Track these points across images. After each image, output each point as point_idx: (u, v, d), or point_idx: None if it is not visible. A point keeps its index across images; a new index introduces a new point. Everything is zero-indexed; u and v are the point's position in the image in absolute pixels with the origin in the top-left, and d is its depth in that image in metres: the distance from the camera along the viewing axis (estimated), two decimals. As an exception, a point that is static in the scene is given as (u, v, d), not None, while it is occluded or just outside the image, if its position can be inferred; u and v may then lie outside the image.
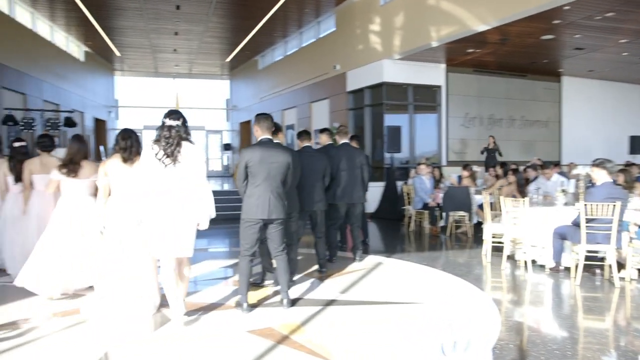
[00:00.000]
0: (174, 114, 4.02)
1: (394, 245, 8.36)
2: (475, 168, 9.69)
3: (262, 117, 4.62)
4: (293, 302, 4.60)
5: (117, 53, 19.68)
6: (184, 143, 3.94)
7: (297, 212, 5.21)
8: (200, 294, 4.99)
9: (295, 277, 5.46)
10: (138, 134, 4.59)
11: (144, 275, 4.29)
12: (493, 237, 6.52)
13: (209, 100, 24.77)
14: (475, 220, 8.65)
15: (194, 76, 24.29)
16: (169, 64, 21.98)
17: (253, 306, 4.53)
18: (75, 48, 18.66)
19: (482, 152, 12.72)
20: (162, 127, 3.95)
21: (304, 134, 5.97)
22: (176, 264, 4.07)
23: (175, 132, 3.91)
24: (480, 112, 14.00)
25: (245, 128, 23.23)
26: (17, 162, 5.71)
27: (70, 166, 4.86)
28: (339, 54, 14.36)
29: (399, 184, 11.10)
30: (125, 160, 4.38)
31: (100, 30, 16.31)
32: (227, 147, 24.09)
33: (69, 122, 12.58)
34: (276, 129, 5.26)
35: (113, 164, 4.41)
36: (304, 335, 3.85)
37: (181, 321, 4.02)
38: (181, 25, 15.88)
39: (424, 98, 13.17)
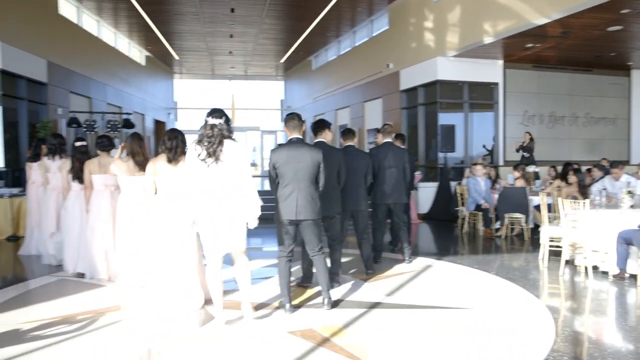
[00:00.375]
0: (216, 112, 4.04)
1: (445, 247, 8.11)
2: (534, 168, 9.23)
3: (289, 116, 4.59)
4: (335, 304, 4.53)
5: (176, 57, 20.34)
6: (227, 141, 3.95)
7: (338, 212, 5.12)
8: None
9: (340, 278, 5.39)
10: (184, 134, 4.66)
11: (186, 274, 4.37)
12: (551, 240, 6.18)
13: (264, 101, 25.14)
14: (532, 223, 8.25)
15: (249, 77, 24.73)
16: (225, 66, 22.47)
17: (296, 307, 4.50)
18: (137, 53, 19.46)
19: (517, 150, 12.06)
20: (205, 125, 3.97)
21: (347, 133, 5.87)
22: (233, 259, 4.09)
23: (217, 130, 3.93)
24: (540, 109, 13.37)
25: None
26: (76, 161, 5.97)
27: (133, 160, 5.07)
28: (392, 53, 14.15)
29: (453, 184, 10.78)
30: (169, 160, 4.45)
31: (159, 35, 16.90)
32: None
33: (128, 124, 13.12)
34: (320, 127, 5.20)
35: (159, 164, 4.51)
36: (345, 338, 3.78)
37: (223, 319, 4.05)
38: (236, 28, 16.18)
39: (480, 96, 12.73)
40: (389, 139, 6.32)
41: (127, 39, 18.01)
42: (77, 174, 5.88)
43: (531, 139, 11.73)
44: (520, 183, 8.70)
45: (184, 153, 4.43)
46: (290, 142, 4.49)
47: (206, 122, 3.99)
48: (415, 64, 12.91)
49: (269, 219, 4.51)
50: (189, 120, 24.12)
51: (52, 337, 3.83)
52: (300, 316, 4.30)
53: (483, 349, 3.58)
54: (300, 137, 4.55)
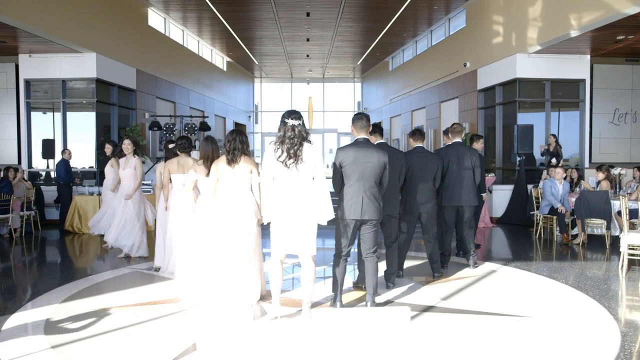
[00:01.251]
0: (294, 113, 4.13)
1: (515, 252, 7.74)
2: (619, 170, 8.54)
3: (357, 117, 4.59)
4: (385, 305, 4.50)
5: (256, 61, 21.07)
6: (305, 143, 4.04)
7: (396, 213, 5.08)
8: (294, 290, 5.12)
9: (397, 280, 5.33)
10: (244, 135, 4.77)
11: (244, 270, 4.52)
12: (631, 248, 5.70)
13: (342, 103, 25.31)
14: (618, 230, 7.64)
15: (327, 80, 25.02)
16: (303, 69, 22.92)
17: (348, 306, 4.53)
18: (219, 59, 20.40)
19: (542, 154, 11.15)
20: (285, 126, 4.04)
21: (416, 134, 5.80)
22: (303, 262, 4.17)
23: (298, 131, 4.02)
24: (634, 107, 12.32)
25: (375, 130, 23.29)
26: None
27: (207, 164, 5.14)
28: (469, 51, 13.71)
29: (530, 187, 10.24)
30: (228, 162, 4.62)
31: (240, 42, 17.60)
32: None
33: (204, 126, 13.79)
34: (377, 130, 5.21)
35: (220, 165, 4.71)
36: (390, 340, 3.75)
37: (275, 314, 4.16)
38: (312, 32, 16.47)
39: (564, 94, 11.98)
40: (458, 139, 6.14)
41: (209, 46, 18.94)
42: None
43: (557, 142, 10.76)
44: (604, 186, 8.09)
45: (244, 153, 4.56)
46: (357, 142, 4.53)
47: (286, 123, 4.06)
48: (493, 62, 12.41)
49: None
50: (269, 123, 24.87)
51: (115, 323, 4.14)
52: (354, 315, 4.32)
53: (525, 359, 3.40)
54: (367, 137, 4.57)
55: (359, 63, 21.56)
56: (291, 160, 3.97)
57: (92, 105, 11.36)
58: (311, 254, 4.13)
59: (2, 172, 9.25)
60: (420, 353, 3.50)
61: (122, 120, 12.33)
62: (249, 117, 24.72)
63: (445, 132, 6.03)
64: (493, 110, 12.61)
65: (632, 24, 9.33)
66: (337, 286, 4.40)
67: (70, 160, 10.21)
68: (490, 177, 10.50)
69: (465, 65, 13.84)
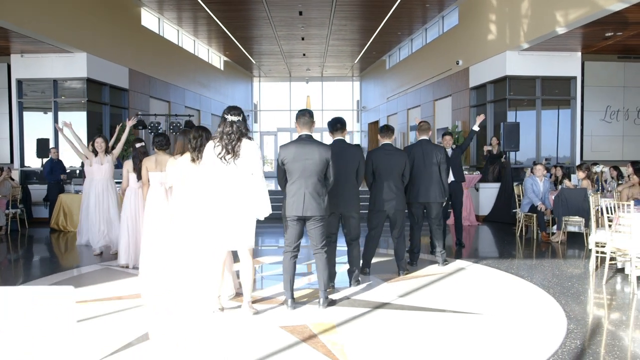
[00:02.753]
0: (233, 109, 4.17)
1: (491, 250, 7.72)
2: (601, 168, 8.46)
3: (300, 113, 4.60)
4: (332, 302, 4.51)
5: (253, 61, 21.14)
6: (244, 139, 4.09)
7: (357, 210, 5.08)
8: (264, 289, 5.16)
9: (361, 277, 5.34)
10: (210, 133, 4.79)
11: (200, 268, 4.55)
12: (598, 246, 5.66)
13: (341, 102, 25.31)
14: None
15: (325, 79, 25.03)
16: (300, 68, 22.95)
17: (301, 303, 4.55)
18: (216, 58, 20.49)
19: (485, 156, 11.20)
20: (224, 122, 4.09)
21: (384, 130, 5.77)
22: (240, 256, 4.21)
23: (236, 127, 4.06)
24: (626, 104, 12.20)
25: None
26: (139, 161, 6.30)
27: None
28: (462, 49, 13.65)
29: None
30: (193, 159, 4.65)
31: (235, 41, 17.67)
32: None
33: (188, 124, 13.80)
34: (341, 126, 5.21)
35: (183, 161, 4.75)
36: (332, 336, 3.76)
37: (218, 307, 4.21)
38: (307, 30, 16.49)
39: (554, 91, 11.89)
40: (425, 137, 6.13)
41: (206, 45, 19.03)
42: (139, 172, 6.25)
43: (499, 144, 10.78)
44: (585, 184, 8.03)
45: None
46: (300, 139, 4.51)
47: (225, 119, 4.11)
48: (485, 59, 12.36)
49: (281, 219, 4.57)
50: (268, 122, 24.94)
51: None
52: (300, 312, 4.34)
53: (469, 356, 3.40)
54: (310, 134, 4.56)
55: (356, 62, 21.54)
56: (229, 156, 4.00)
57: (83, 105, 11.48)
58: (248, 247, 4.17)
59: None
60: (353, 350, 3.52)
61: (114, 119, 12.44)
62: (248, 116, 24.78)
63: (379, 132, 6.02)
64: (484, 108, 12.54)
65: (619, 21, 9.25)
66: (286, 283, 4.42)
67: (59, 159, 10.34)
68: (476, 175, 10.46)
69: (457, 63, 13.78)
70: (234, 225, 4.08)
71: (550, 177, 9.37)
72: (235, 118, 4.09)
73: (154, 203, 5.64)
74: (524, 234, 8.51)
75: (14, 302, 2.20)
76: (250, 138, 4.17)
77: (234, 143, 4.02)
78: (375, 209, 5.52)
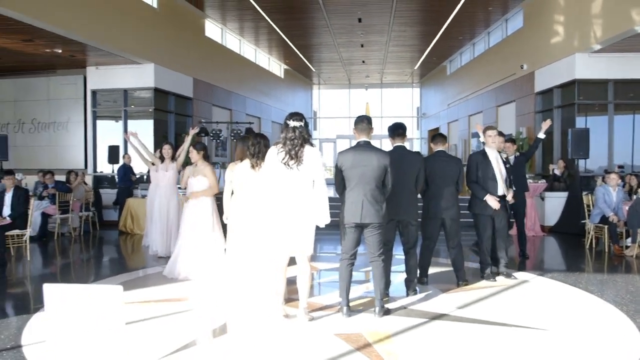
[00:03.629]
0: (296, 115, 4.21)
1: (558, 262, 7.35)
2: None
3: (358, 119, 4.57)
4: (387, 312, 4.42)
5: (313, 69, 21.36)
6: (306, 145, 4.12)
7: (414, 219, 4.99)
8: (320, 296, 5.16)
9: (419, 286, 5.23)
10: (268, 140, 4.87)
11: (266, 271, 4.58)
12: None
13: (400, 109, 25.05)
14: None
15: (385, 85, 24.88)
16: (360, 75, 22.96)
17: (356, 310, 4.51)
18: (277, 67, 20.88)
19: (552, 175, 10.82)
20: (286, 128, 4.13)
21: (437, 138, 5.68)
22: (298, 262, 4.23)
23: (299, 133, 4.10)
24: None
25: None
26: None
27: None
28: (527, 52, 13.17)
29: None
30: (252, 166, 4.74)
31: (295, 50, 17.94)
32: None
33: (249, 132, 14.06)
34: (402, 131, 5.13)
35: (242, 168, 4.84)
36: (387, 346, 3.70)
37: (282, 314, 4.24)
38: (366, 37, 16.49)
39: (629, 95, 11.20)
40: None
41: (267, 54, 19.45)
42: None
43: (566, 167, 10.54)
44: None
45: (264, 158, 4.61)
46: (358, 146, 4.49)
47: (287, 124, 4.15)
48: (552, 62, 11.84)
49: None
50: (327, 129, 25.07)
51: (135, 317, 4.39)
52: (356, 320, 4.29)
53: (532, 373, 3.24)
54: (368, 140, 4.53)
55: (416, 68, 21.29)
56: (292, 161, 4.03)
57: (150, 114, 12.02)
58: (307, 254, 4.18)
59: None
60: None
61: (178, 127, 12.95)
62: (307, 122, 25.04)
63: (431, 140, 5.79)
64: (551, 114, 12.00)
65: None
66: (342, 290, 4.39)
67: (131, 165, 10.88)
68: (541, 184, 10.01)
69: (522, 67, 13.31)
70: (294, 231, 4.10)
71: (624, 186, 8.81)
72: (297, 124, 4.12)
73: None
74: (594, 246, 8.03)
75: (66, 299, 2.32)
76: (312, 144, 4.19)
77: (297, 149, 4.05)
78: (430, 216, 5.40)
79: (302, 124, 4.14)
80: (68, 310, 2.30)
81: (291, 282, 4.59)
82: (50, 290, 2.29)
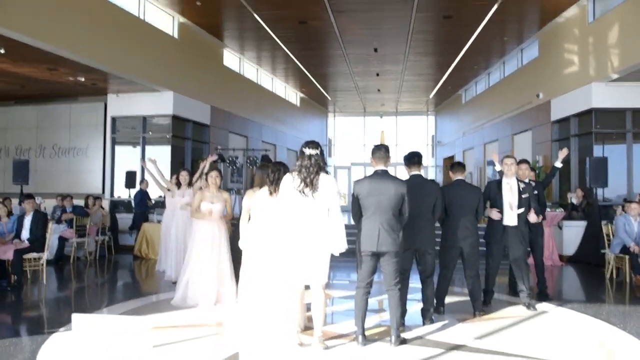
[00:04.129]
0: (311, 143, 4.26)
1: (577, 293, 7.19)
2: None
3: (376, 148, 4.59)
4: (403, 341, 4.34)
5: (328, 97, 21.58)
6: (321, 173, 4.15)
7: (431, 248, 4.95)
8: (334, 324, 5.09)
9: (435, 316, 5.14)
10: (287, 168, 4.89)
11: (282, 298, 4.55)
12: None
13: (415, 137, 25.09)
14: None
15: (400, 114, 24.99)
16: (375, 104, 23.11)
17: (371, 340, 4.43)
18: (293, 95, 21.15)
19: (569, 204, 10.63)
20: (302, 156, 4.17)
21: (455, 166, 5.68)
22: (313, 290, 4.21)
23: (314, 160, 4.14)
24: None
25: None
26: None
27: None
28: (543, 81, 13.18)
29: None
30: (271, 193, 4.76)
31: (312, 78, 18.18)
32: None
33: (265, 159, 14.17)
34: (418, 160, 5.14)
35: (261, 194, 4.85)
36: (403, 376, 3.63)
37: (297, 343, 4.19)
38: (381, 67, 16.66)
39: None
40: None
41: (283, 83, 19.73)
42: None
43: (584, 197, 10.43)
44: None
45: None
46: (375, 174, 4.50)
47: (303, 152, 4.20)
48: (568, 92, 11.82)
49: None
50: (342, 156, 25.16)
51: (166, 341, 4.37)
52: (371, 349, 4.22)
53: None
54: (385, 169, 4.54)
55: (431, 96, 21.39)
56: (308, 189, 4.05)
57: (168, 140, 12.21)
58: (322, 282, 4.16)
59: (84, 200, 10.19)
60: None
61: (195, 153, 13.10)
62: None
63: (450, 168, 5.76)
64: (568, 143, 11.91)
65: None
66: (358, 319, 4.33)
67: (147, 191, 11.00)
68: (559, 213, 9.86)
69: (538, 96, 13.29)
70: (309, 259, 4.09)
71: (645, 216, 8.64)
72: (313, 152, 4.16)
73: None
74: (614, 277, 7.85)
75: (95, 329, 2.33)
76: (327, 172, 4.22)
77: (312, 176, 4.07)
78: (448, 244, 5.36)
79: (318, 151, 4.18)
80: (95, 338, 2.32)
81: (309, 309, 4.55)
82: (78, 319, 2.33)
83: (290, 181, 4.15)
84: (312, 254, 4.07)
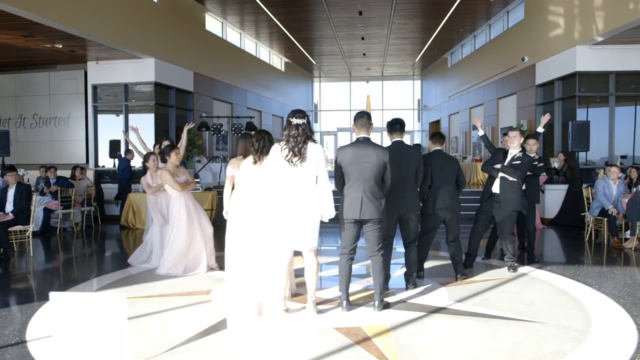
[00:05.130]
0: (298, 112, 4.27)
1: (555, 255, 7.39)
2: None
3: (358, 115, 4.58)
4: (387, 305, 4.47)
5: (313, 61, 21.32)
6: (309, 142, 4.17)
7: (414, 213, 5.03)
8: (321, 290, 5.20)
9: (417, 280, 5.28)
10: (271, 136, 4.89)
11: (267, 266, 4.63)
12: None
13: (401, 101, 25.03)
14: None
15: (386, 78, 24.84)
16: (361, 68, 22.91)
17: (355, 305, 4.55)
18: (277, 60, 20.86)
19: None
20: (289, 125, 4.18)
21: (435, 136, 5.71)
22: (305, 256, 4.29)
23: (302, 130, 4.15)
24: None
25: (434, 128, 22.87)
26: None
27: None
28: (528, 45, 13.14)
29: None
30: (255, 161, 4.76)
31: (296, 43, 17.91)
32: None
33: (250, 126, 14.08)
34: (400, 127, 5.15)
35: (246, 164, 4.85)
36: (386, 339, 3.75)
37: (283, 308, 4.29)
38: (366, 30, 16.45)
39: (630, 87, 11.18)
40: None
41: (267, 47, 19.42)
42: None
43: (566, 160, 10.55)
44: (664, 187, 7.51)
45: (267, 154, 4.58)
46: (357, 142, 4.50)
47: (290, 122, 4.21)
48: (553, 55, 11.82)
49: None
50: (329, 122, 25.07)
51: (140, 310, 4.45)
52: (356, 314, 4.34)
53: (529, 366, 3.29)
54: (368, 136, 4.55)
55: (417, 60, 21.24)
56: (296, 158, 4.08)
57: (151, 108, 12.05)
58: (313, 248, 4.23)
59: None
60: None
61: (179, 121, 12.96)
62: (308, 116, 25.05)
63: (430, 137, 5.82)
64: (552, 107, 12.00)
65: None
66: (342, 285, 4.43)
67: (132, 160, 10.91)
68: (541, 177, 10.00)
69: (523, 60, 13.28)
70: (300, 226, 4.16)
71: (625, 178, 8.82)
72: (300, 121, 4.17)
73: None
74: (593, 239, 8.07)
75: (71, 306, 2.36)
76: (314, 141, 4.25)
77: (300, 145, 4.10)
78: (428, 212, 5.44)
79: (305, 121, 4.20)
80: (73, 316, 2.36)
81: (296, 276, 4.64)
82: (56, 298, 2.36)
83: (279, 151, 4.16)
84: (303, 221, 4.13)
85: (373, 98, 23.67)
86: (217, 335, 3.89)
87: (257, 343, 3.73)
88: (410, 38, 17.79)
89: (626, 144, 11.16)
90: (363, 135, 4.48)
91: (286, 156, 4.12)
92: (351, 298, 4.56)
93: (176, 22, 12.76)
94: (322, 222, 4.28)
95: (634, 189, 7.93)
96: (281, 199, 4.17)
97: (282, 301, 4.36)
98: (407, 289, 5.12)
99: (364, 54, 20.05)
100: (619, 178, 7.87)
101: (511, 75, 14.19)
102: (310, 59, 20.78)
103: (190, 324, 4.12)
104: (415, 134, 24.48)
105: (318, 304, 4.54)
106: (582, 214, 8.56)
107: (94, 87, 12.33)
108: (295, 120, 4.17)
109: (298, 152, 4.10)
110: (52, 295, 2.31)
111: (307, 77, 24.87)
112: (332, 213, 4.23)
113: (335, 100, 25.57)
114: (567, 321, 4.16)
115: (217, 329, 4.02)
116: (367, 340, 3.74)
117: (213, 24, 15.10)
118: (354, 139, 4.65)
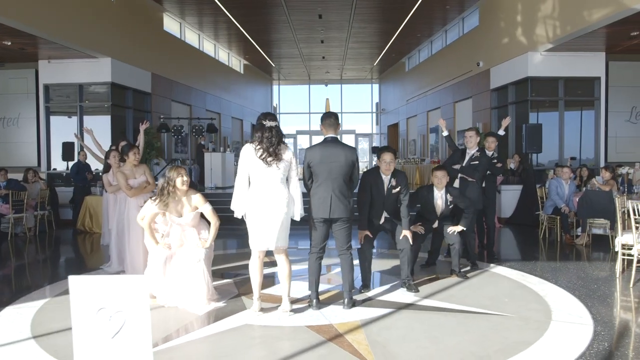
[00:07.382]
0: (269, 115, 4.29)
1: (513, 252, 7.68)
2: (626, 170, 8.33)
3: (326, 115, 4.63)
4: (354, 303, 4.52)
5: (272, 64, 21.29)
6: (281, 144, 4.20)
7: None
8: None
9: (388, 278, 5.36)
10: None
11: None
12: (625, 248, 5.59)
13: (360, 105, 25.35)
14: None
15: (345, 82, 25.08)
16: (320, 71, 23.05)
17: (325, 304, 4.57)
18: (236, 62, 20.70)
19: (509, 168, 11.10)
20: (262, 128, 4.18)
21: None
22: (277, 256, 4.28)
23: (275, 132, 4.17)
24: (652, 105, 11.98)
25: (392, 131, 23.27)
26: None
27: None
28: (483, 50, 13.59)
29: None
30: None
31: (255, 45, 17.83)
32: (375, 150, 24.42)
33: (211, 128, 13.91)
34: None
35: None
36: (357, 336, 3.79)
37: (257, 309, 4.26)
38: (326, 34, 16.58)
39: (577, 92, 11.75)
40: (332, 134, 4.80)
41: (226, 49, 19.25)
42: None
43: (520, 161, 10.95)
44: (610, 185, 7.93)
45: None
46: (326, 141, 4.54)
47: (263, 124, 4.19)
48: (506, 60, 12.27)
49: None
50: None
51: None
52: (325, 312, 4.37)
53: (494, 356, 3.40)
54: (335, 136, 4.59)
55: (375, 64, 21.56)
56: (271, 158, 4.08)
57: (107, 109, 11.70)
58: (284, 248, 4.24)
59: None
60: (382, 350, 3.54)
61: (136, 122, 12.61)
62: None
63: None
64: (506, 110, 12.44)
65: (644, 20, 9.10)
66: (312, 284, 4.45)
67: (86, 162, 10.54)
68: (498, 177, 10.36)
69: (478, 65, 13.71)
70: (272, 226, 4.15)
71: (575, 178, 9.26)
72: (272, 123, 4.21)
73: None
74: (547, 236, 8.43)
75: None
76: (285, 143, 4.28)
77: (274, 147, 4.12)
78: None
79: (277, 123, 4.23)
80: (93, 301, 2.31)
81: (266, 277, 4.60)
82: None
83: (253, 150, 4.14)
84: (275, 221, 4.13)
85: (332, 101, 23.86)
86: (187, 337, 3.83)
87: (230, 342, 3.70)
88: (369, 42, 18.05)
89: (574, 146, 11.70)
90: (331, 135, 4.52)
91: (261, 155, 4.11)
92: (320, 297, 4.58)
93: (133, 22, 12.47)
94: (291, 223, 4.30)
95: (584, 188, 8.34)
96: (256, 199, 4.15)
97: (257, 302, 4.31)
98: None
99: (324, 57, 20.19)
100: (570, 178, 8.25)
101: (467, 80, 14.62)
102: (270, 61, 20.75)
103: (158, 327, 4.03)
104: (373, 137, 24.80)
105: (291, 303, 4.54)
106: (536, 212, 8.91)
107: (46, 87, 11.86)
108: (268, 123, 4.19)
109: (273, 152, 4.12)
110: (71, 278, 2.27)
111: (266, 80, 24.79)
112: (302, 212, 4.28)
113: (294, 103, 25.62)
114: (529, 313, 4.34)
115: (180, 333, 3.96)
116: (339, 337, 3.77)
117: (171, 24, 14.85)
118: (314, 142, 4.67)
